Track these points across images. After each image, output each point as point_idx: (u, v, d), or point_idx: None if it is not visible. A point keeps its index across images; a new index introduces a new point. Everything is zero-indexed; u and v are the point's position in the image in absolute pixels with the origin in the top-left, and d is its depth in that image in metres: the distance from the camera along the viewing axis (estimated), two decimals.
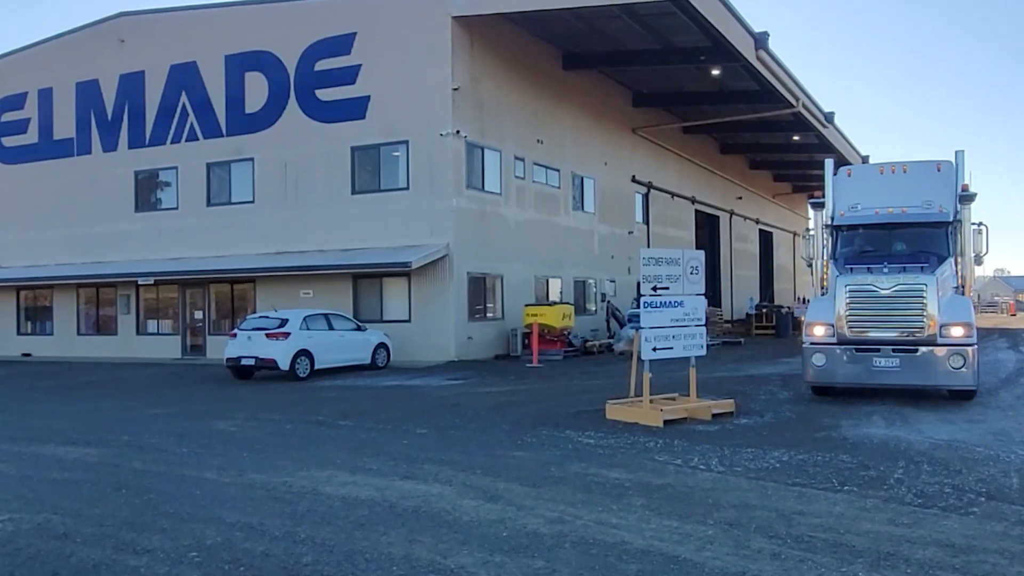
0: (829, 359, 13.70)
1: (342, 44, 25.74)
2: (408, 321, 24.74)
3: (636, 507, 7.56)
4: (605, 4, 23.85)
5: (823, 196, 15.49)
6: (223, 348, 21.65)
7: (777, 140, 41.80)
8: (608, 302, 31.69)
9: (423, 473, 9.17)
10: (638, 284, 13.63)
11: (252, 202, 27.67)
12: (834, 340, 13.66)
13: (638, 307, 14.09)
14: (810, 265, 16.01)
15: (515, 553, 6.30)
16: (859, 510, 7.41)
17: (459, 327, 24.53)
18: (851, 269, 13.89)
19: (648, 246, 33.17)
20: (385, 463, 9.78)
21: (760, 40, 26.89)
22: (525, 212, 28.07)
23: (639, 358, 12.78)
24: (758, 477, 8.75)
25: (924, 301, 13.20)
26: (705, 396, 13.65)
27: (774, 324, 38.68)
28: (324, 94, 26.10)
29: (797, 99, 31.93)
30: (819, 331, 13.86)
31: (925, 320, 13.20)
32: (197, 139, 28.54)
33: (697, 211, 42.50)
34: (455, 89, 24.25)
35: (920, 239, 14.49)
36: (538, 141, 28.55)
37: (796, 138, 39.06)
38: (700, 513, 7.33)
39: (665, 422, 12.04)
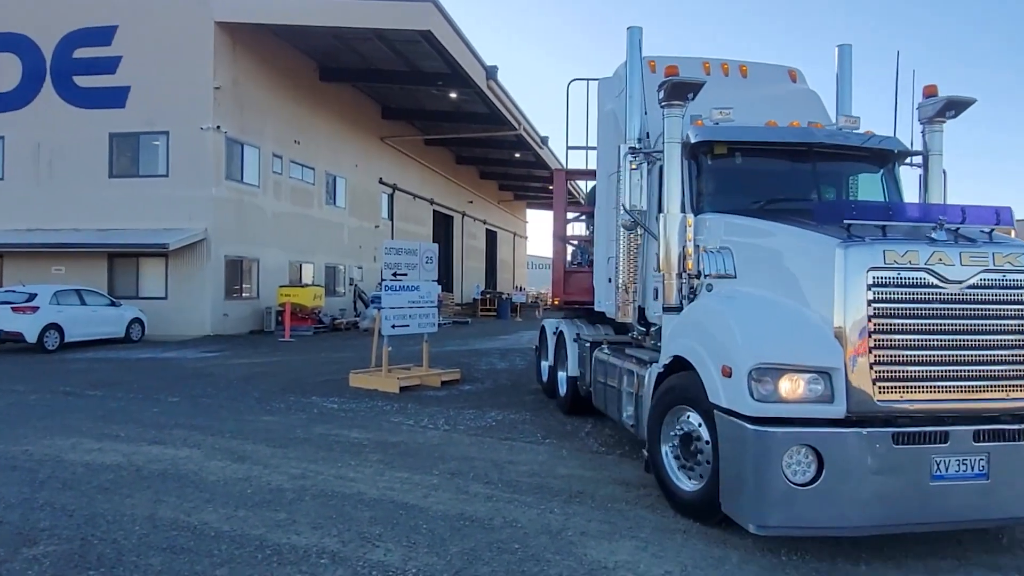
0: (833, 467, 4.62)
1: (103, 35, 22.90)
2: (165, 298, 22.63)
3: (372, 462, 7.45)
4: (359, 27, 23.27)
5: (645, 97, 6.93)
6: None
7: (503, 156, 43.13)
8: (355, 285, 31.21)
9: (172, 438, 8.40)
10: (382, 270, 13.50)
11: (2, 179, 23.91)
12: (840, 414, 4.73)
13: (381, 290, 13.97)
14: (635, 226, 6.78)
15: (258, 508, 5.95)
16: (557, 458, 7.80)
17: (215, 304, 22.83)
18: (853, 235, 4.98)
19: (392, 238, 32.96)
20: (134, 430, 8.84)
21: (491, 72, 27.63)
22: (281, 204, 26.75)
23: (380, 334, 12.71)
24: (477, 434, 8.95)
25: None
26: (436, 366, 13.79)
27: (496, 308, 40.15)
28: (83, 81, 23.08)
29: (519, 123, 33.19)
30: (796, 389, 4.78)
31: None
32: None
33: (435, 211, 42.93)
34: (216, 88, 22.46)
35: (850, 182, 6.93)
36: (295, 142, 27.30)
37: (518, 155, 40.55)
38: (428, 465, 7.35)
39: (401, 389, 12.01)
